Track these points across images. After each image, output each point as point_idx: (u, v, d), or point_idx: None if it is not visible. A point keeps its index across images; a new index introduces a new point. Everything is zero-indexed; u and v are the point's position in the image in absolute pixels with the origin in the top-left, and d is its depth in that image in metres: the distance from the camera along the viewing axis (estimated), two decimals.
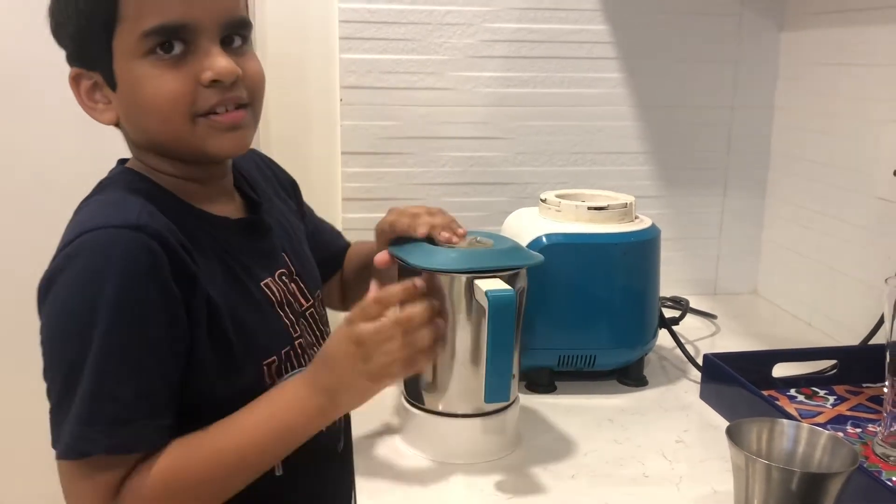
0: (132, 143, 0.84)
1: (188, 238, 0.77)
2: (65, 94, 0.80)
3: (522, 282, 0.88)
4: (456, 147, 1.40)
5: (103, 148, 0.86)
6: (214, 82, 0.75)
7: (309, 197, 1.44)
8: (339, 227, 1.40)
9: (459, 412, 0.89)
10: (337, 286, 1.14)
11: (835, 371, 1.11)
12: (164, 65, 0.75)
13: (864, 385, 1.10)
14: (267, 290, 0.86)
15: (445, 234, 0.89)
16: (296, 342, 0.88)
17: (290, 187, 1.06)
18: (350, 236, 1.39)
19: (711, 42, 1.43)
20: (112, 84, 0.77)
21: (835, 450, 0.66)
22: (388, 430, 0.97)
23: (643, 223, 1.10)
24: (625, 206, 1.09)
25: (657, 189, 1.47)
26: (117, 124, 0.82)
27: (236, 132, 0.79)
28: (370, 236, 1.40)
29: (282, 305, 0.87)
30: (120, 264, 0.70)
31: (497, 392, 0.83)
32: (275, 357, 0.84)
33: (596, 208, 1.07)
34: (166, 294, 0.73)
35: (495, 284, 0.81)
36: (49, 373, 0.73)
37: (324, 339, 0.95)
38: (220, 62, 0.75)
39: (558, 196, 1.12)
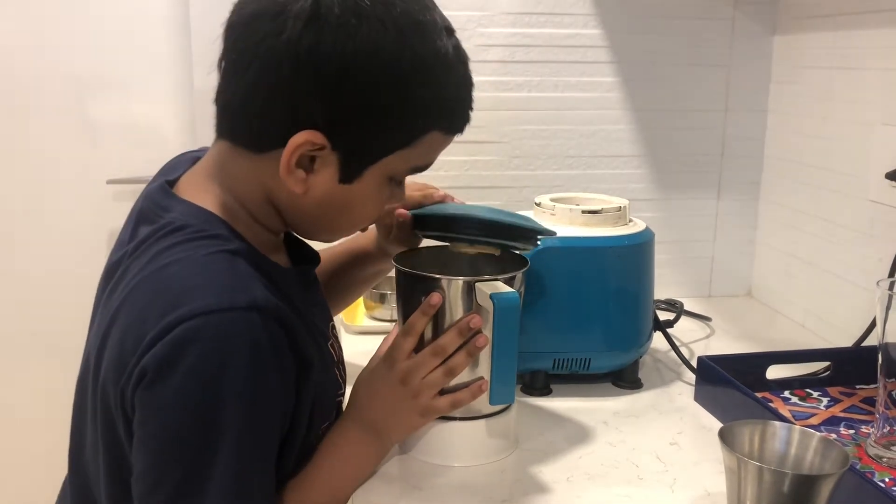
0: (260, 193, 0.75)
1: (287, 303, 0.72)
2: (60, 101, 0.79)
3: (520, 285, 0.89)
4: (450, 151, 1.39)
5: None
6: None
7: None
8: None
9: (458, 415, 0.89)
10: None
11: (828, 373, 1.12)
12: (389, 193, 0.78)
13: (858, 386, 1.11)
14: (332, 350, 0.85)
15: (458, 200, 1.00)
16: (339, 399, 0.88)
17: None
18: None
19: (704, 46, 1.44)
20: (346, 178, 0.73)
21: (826, 452, 0.67)
22: None
23: (637, 227, 1.10)
24: (619, 209, 1.10)
25: (651, 192, 1.48)
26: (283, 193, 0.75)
27: None
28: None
29: (338, 365, 0.87)
30: (248, 353, 0.64)
31: (502, 394, 0.84)
32: (328, 421, 0.84)
33: (590, 212, 1.08)
34: (286, 379, 0.70)
35: (498, 287, 0.82)
36: (155, 471, 0.65)
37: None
38: (404, 196, 0.83)
39: (553, 200, 1.12)
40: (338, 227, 0.81)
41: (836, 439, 0.96)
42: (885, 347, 0.90)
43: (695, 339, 1.32)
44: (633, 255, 1.08)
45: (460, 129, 0.80)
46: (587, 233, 1.06)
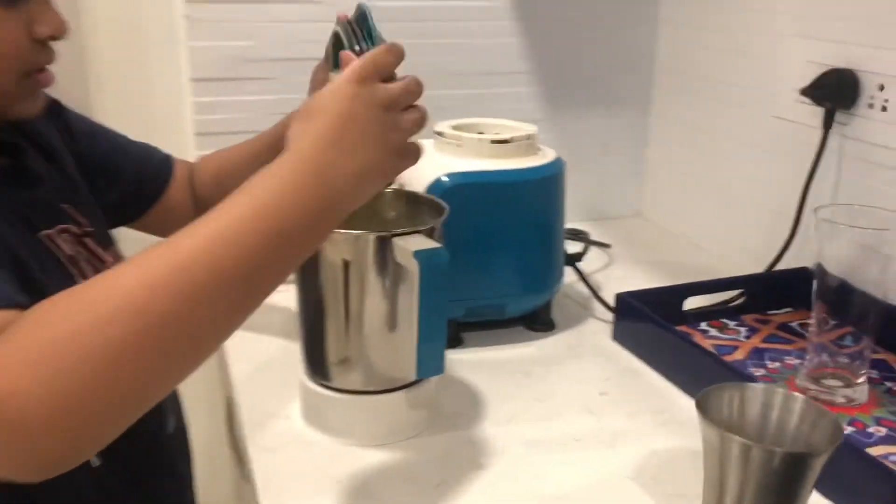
0: None
1: None
2: None
3: (440, 237, 0.76)
4: None
5: None
6: (48, 38, 0.66)
7: (154, 134, 1.23)
8: None
9: (373, 388, 0.77)
10: (185, 205, 0.94)
11: (742, 300, 1.08)
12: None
13: (769, 312, 1.08)
14: (50, 242, 0.70)
15: None
16: None
17: (52, 112, 0.81)
18: None
19: None
20: None
21: (816, 419, 0.60)
22: (283, 413, 0.84)
23: (547, 156, 1.00)
24: (528, 137, 0.98)
25: (540, 111, 1.38)
26: None
27: (43, 92, 0.70)
28: None
29: (75, 262, 0.71)
30: None
31: (431, 364, 0.73)
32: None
33: (499, 142, 0.96)
34: None
35: (422, 243, 0.69)
36: None
37: None
38: (58, 16, 0.66)
39: (455, 128, 1.00)
40: None
41: (765, 375, 0.92)
42: (820, 269, 0.84)
43: (596, 268, 1.24)
44: (547, 188, 0.98)
45: None
46: (497, 166, 0.94)
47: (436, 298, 0.70)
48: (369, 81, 0.58)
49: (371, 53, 0.60)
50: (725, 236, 1.28)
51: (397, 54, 0.60)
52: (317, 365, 0.79)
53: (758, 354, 0.97)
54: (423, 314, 0.70)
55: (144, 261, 0.49)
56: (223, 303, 0.50)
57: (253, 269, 0.51)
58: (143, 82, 1.20)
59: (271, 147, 0.89)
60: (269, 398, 0.86)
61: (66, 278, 0.69)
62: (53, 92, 0.73)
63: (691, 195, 1.36)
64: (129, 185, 0.88)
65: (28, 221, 0.68)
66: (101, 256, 0.76)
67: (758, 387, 0.62)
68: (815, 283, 0.85)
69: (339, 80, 0.58)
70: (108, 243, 0.79)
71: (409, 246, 0.69)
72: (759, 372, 0.93)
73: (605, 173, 1.46)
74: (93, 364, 0.45)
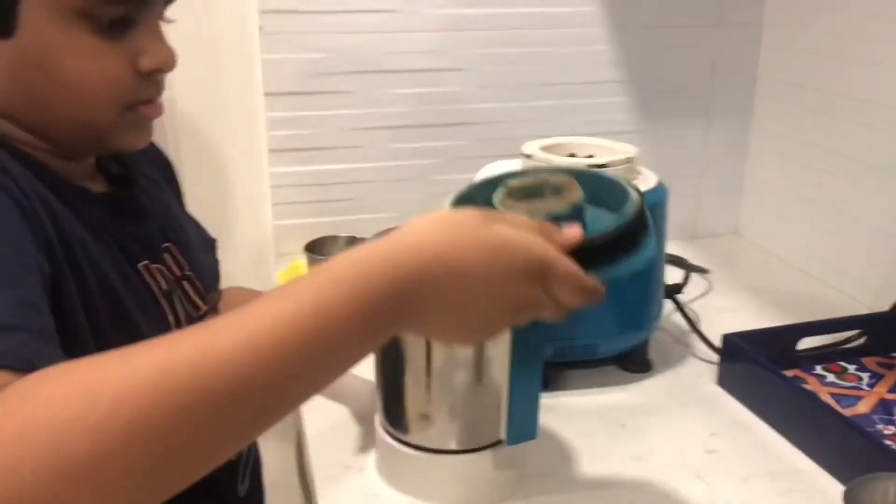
0: None
1: (48, 206, 0.57)
2: None
3: None
4: (404, 82, 1.16)
5: None
6: (154, 71, 0.62)
7: (229, 151, 1.20)
8: (265, 184, 1.17)
9: (454, 447, 0.70)
10: None
11: (862, 340, 0.96)
12: (101, 37, 0.58)
13: (894, 355, 0.96)
14: (147, 273, 0.67)
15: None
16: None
17: (165, 169, 0.82)
18: (280, 195, 1.17)
19: None
20: (4, 28, 0.56)
21: None
22: (357, 465, 0.77)
23: (649, 181, 0.91)
24: (628, 161, 0.89)
25: (633, 123, 1.28)
26: None
27: (151, 124, 0.67)
28: (303, 193, 1.20)
29: (169, 297, 0.69)
30: None
31: (523, 430, 0.65)
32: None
33: (595, 167, 0.87)
34: (18, 222, 0.53)
35: None
36: None
37: None
38: (166, 49, 0.63)
39: (544, 149, 0.91)
40: (59, 104, 0.60)
41: None
42: None
43: (693, 297, 1.14)
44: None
45: None
46: None
47: (530, 356, 0.62)
48: (550, 284, 0.52)
49: (580, 274, 0.54)
50: (837, 264, 1.16)
51: (589, 300, 0.55)
52: (395, 417, 0.72)
53: (885, 407, 0.86)
54: (514, 374, 0.62)
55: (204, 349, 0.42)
56: (274, 390, 0.45)
57: (303, 358, 0.44)
58: (218, 97, 1.14)
59: None
60: (345, 447, 0.80)
61: (159, 314, 0.67)
62: None
63: (796, 215, 1.24)
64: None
65: (129, 253, 0.66)
66: (196, 303, 0.72)
67: None
68: None
69: (537, 251, 0.51)
70: (208, 289, 0.75)
71: None
72: (888, 430, 0.82)
73: (701, 189, 1.36)
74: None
